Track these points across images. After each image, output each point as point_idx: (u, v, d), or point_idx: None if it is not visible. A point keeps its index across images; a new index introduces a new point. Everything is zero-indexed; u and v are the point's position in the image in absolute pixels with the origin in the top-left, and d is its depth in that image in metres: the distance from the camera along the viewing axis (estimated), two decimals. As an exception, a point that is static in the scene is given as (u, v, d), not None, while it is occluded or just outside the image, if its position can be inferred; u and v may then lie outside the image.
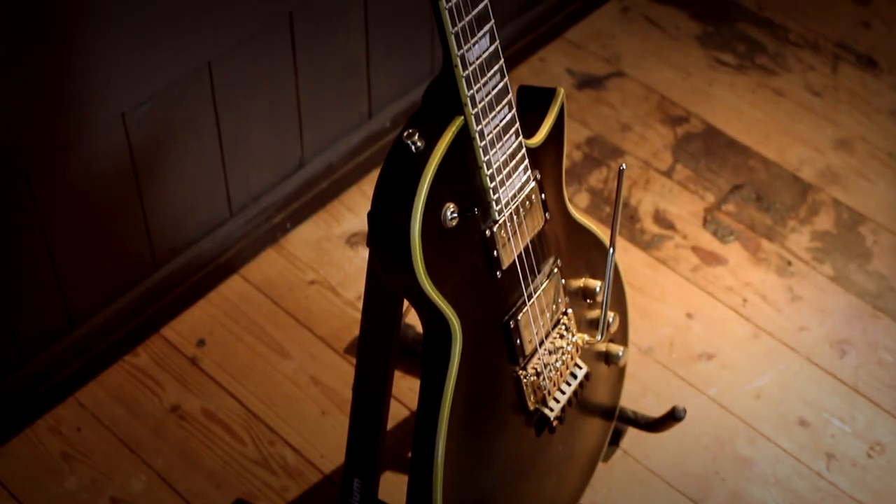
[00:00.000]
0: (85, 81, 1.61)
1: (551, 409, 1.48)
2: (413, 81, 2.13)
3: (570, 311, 1.49)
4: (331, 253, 2.04)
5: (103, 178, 1.73)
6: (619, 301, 1.63)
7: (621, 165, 1.38)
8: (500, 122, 1.30)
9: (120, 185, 1.76)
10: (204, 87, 1.78)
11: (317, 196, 2.07)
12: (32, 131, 1.59)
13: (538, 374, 1.45)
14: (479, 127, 1.27)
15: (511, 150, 1.33)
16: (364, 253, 2.03)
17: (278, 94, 1.90)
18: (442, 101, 1.27)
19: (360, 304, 1.57)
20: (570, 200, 2.03)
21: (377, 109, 2.10)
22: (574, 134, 2.21)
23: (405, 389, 1.86)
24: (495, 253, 1.34)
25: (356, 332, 1.92)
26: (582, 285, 1.52)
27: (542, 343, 1.45)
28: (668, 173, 2.16)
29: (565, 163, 1.47)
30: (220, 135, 1.85)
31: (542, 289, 1.42)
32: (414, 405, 1.84)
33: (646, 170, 2.16)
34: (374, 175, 2.12)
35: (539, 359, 1.44)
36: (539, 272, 1.42)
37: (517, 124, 1.33)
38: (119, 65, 1.63)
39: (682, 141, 2.21)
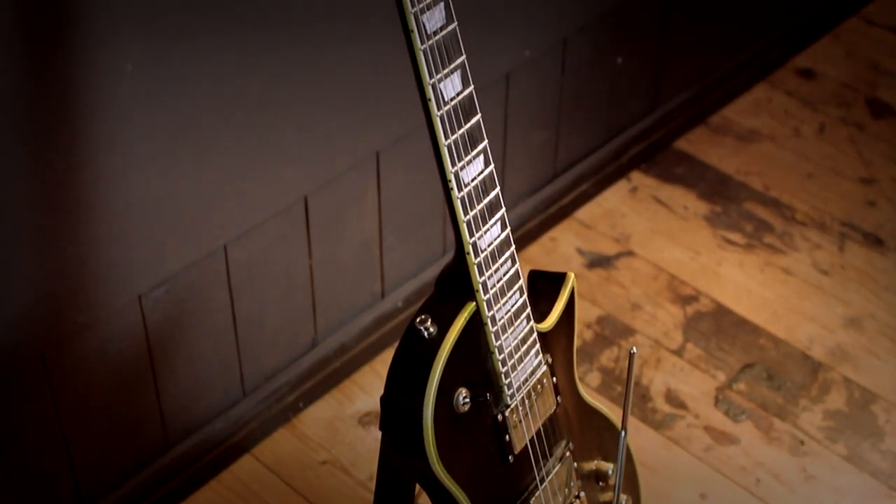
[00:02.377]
0: (102, 264, 1.63)
1: None
2: (425, 262, 2.16)
3: (582, 494, 1.48)
4: (343, 433, 2.04)
5: (118, 358, 1.74)
6: (631, 482, 1.63)
7: (631, 349, 1.39)
8: (512, 307, 1.32)
9: (134, 365, 1.77)
10: (219, 269, 1.80)
11: (330, 375, 2.08)
12: (50, 314, 1.61)
13: (551, 559, 1.44)
14: (491, 312, 1.29)
15: (522, 334, 1.34)
16: (377, 433, 2.03)
17: (292, 274, 1.93)
18: (454, 287, 1.29)
19: (373, 485, 1.57)
20: (582, 380, 2.04)
21: (389, 290, 2.12)
22: (584, 313, 2.23)
23: (417, 572, 1.84)
24: (507, 437, 1.34)
25: (368, 513, 1.91)
26: (594, 468, 1.52)
27: (554, 527, 1.44)
28: (678, 352, 2.17)
29: (576, 343, 1.48)
30: (235, 315, 1.87)
31: (554, 472, 1.42)
32: (426, 588, 1.81)
33: (656, 349, 2.17)
34: (387, 355, 2.13)
35: (552, 543, 1.43)
36: (551, 455, 1.42)
37: (528, 309, 1.34)
38: (137, 248, 1.66)
39: (691, 320, 2.23)
